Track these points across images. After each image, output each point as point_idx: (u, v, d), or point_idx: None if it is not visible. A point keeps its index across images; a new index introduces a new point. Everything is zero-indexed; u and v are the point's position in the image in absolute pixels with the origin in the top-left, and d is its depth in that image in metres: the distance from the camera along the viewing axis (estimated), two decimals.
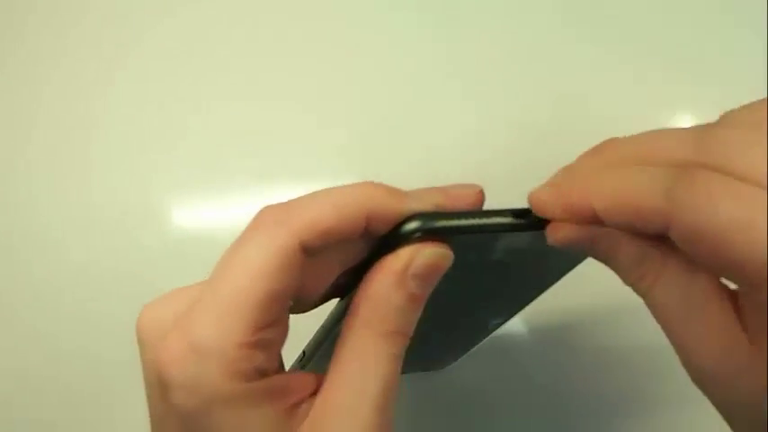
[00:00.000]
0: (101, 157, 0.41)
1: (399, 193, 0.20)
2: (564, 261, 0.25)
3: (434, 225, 0.19)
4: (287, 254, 0.18)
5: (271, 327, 0.18)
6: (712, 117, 0.18)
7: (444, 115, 0.41)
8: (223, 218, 0.38)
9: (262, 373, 0.18)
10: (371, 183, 0.20)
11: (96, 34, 0.43)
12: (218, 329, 0.18)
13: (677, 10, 0.43)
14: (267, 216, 0.19)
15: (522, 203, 0.21)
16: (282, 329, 0.19)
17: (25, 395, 0.36)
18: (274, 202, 0.20)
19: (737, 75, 0.41)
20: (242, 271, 0.18)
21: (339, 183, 0.20)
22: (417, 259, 0.19)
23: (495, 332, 0.30)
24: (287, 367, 0.22)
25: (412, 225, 0.19)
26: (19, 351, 0.37)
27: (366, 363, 0.19)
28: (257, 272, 0.18)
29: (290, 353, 0.23)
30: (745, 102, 0.18)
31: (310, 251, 0.19)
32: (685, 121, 0.41)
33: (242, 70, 0.42)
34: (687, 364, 0.18)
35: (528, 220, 0.20)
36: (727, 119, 0.17)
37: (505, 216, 0.20)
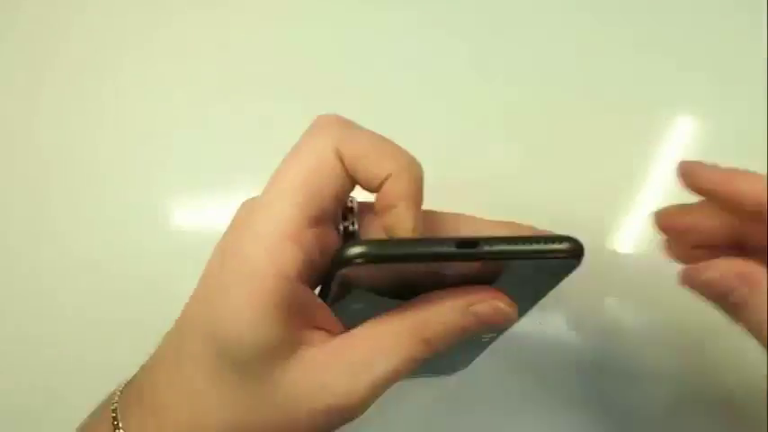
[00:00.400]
0: (100, 156, 0.40)
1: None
2: (546, 282, 0.25)
3: (376, 253, 0.20)
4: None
5: (317, 221, 0.21)
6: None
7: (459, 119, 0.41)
8: (223, 218, 0.38)
9: (309, 266, 0.21)
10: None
11: (98, 33, 0.43)
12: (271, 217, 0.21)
13: (677, 9, 0.43)
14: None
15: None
16: (323, 242, 0.22)
17: (22, 400, 0.36)
18: None
19: (738, 73, 0.41)
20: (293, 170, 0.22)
21: None
22: (483, 306, 0.22)
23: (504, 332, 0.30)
24: None
25: (354, 251, 0.20)
26: (18, 353, 0.37)
27: (392, 348, 0.21)
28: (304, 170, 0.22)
29: None
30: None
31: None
32: (685, 117, 0.41)
33: (244, 69, 0.42)
34: None
35: (471, 250, 0.20)
36: None
37: (449, 246, 0.21)
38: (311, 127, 0.23)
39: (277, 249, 0.20)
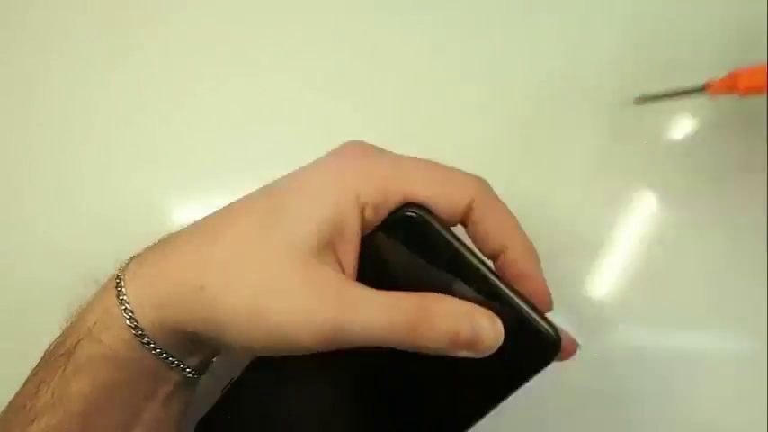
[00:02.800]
0: (100, 156, 0.40)
1: None
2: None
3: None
4: None
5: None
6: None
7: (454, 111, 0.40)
8: None
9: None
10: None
11: (94, 33, 0.42)
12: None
13: (675, 8, 0.42)
14: None
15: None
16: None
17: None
18: None
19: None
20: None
21: None
22: (484, 318, 0.24)
23: None
24: None
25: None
26: (18, 359, 0.37)
27: (380, 315, 0.23)
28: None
29: None
30: None
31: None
32: None
33: (244, 70, 0.42)
34: None
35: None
36: None
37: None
38: (335, 161, 0.27)
39: (345, 186, 0.25)
